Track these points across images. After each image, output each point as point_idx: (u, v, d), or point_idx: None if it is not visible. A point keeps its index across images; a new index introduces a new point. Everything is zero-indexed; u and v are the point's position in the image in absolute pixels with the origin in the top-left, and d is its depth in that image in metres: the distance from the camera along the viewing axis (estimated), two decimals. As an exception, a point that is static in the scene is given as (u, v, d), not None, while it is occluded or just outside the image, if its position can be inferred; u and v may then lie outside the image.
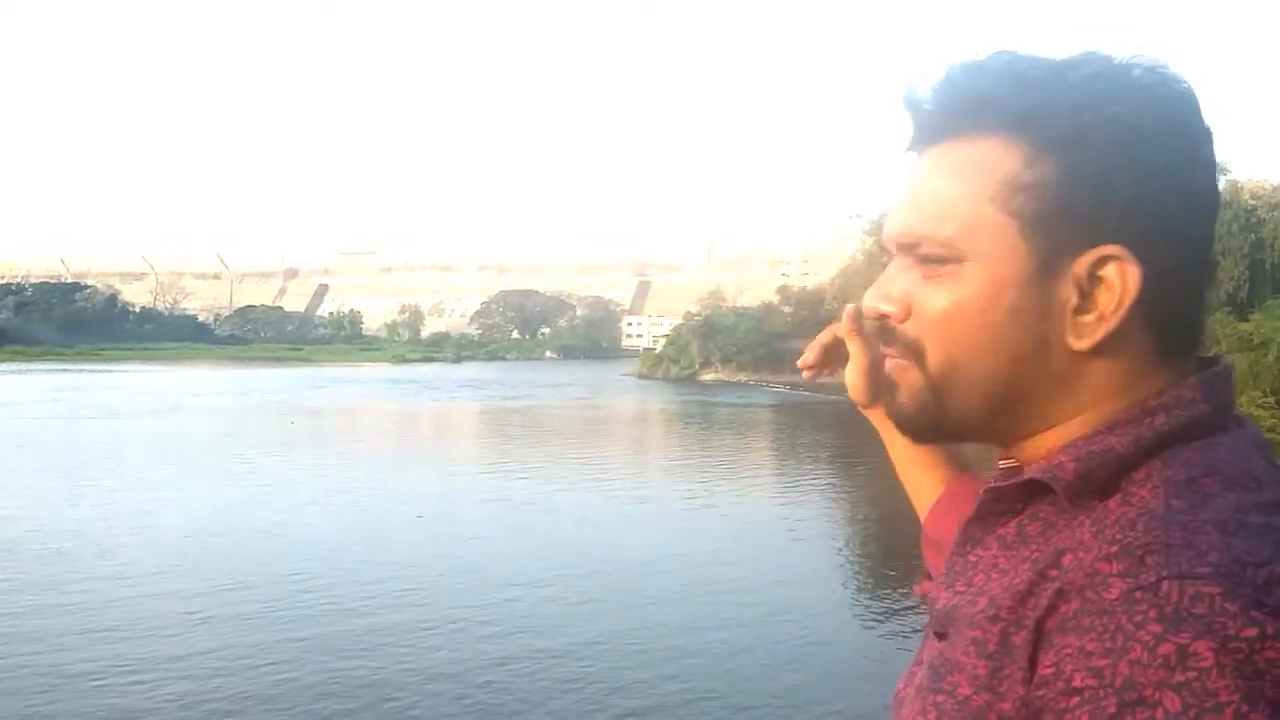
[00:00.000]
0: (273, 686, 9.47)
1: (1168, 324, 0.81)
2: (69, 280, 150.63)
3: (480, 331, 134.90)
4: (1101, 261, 0.78)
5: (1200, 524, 0.70)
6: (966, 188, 0.81)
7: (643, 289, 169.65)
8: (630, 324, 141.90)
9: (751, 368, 68.25)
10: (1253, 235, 42.10)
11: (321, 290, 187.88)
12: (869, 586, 14.23)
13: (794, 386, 56.97)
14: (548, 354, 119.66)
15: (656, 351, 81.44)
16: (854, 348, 1.13)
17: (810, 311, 67.68)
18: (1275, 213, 37.42)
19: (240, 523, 16.91)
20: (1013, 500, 0.84)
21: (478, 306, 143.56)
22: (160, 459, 25.34)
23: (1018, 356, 0.81)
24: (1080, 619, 0.69)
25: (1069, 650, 0.69)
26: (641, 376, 74.40)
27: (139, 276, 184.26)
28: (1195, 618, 0.64)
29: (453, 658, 10.27)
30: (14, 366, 75.34)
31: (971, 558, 0.86)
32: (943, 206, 0.81)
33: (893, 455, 1.25)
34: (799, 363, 1.22)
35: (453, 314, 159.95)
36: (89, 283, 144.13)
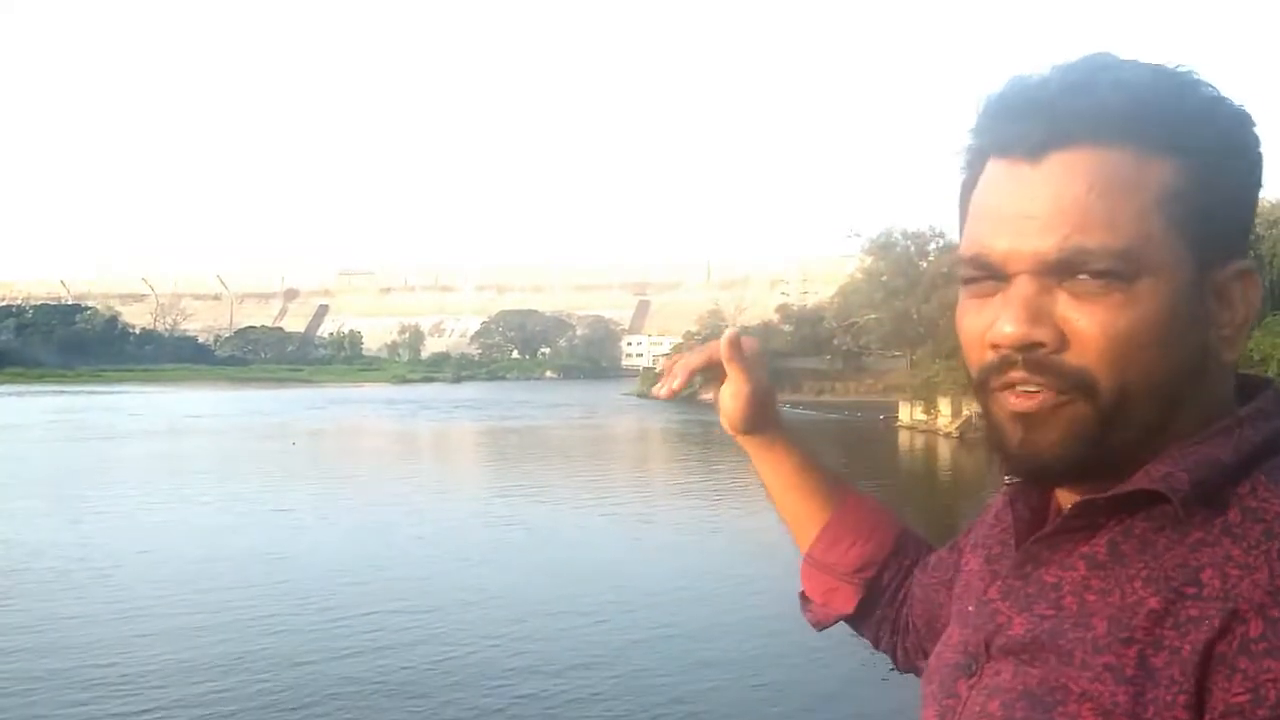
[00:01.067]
0: (274, 713, 9.44)
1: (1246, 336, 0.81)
2: (69, 302, 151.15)
3: (480, 351, 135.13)
4: (1238, 275, 0.78)
5: None
6: (1130, 196, 0.75)
7: (642, 308, 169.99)
8: (630, 343, 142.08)
9: (752, 386, 68.24)
10: (1251, 252, 42.08)
11: (321, 311, 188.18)
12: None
13: (794, 405, 56.93)
14: (548, 374, 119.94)
15: (656, 371, 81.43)
16: (734, 373, 1.11)
17: (810, 330, 67.90)
18: (1274, 230, 37.56)
19: (240, 546, 16.88)
20: (1096, 516, 0.79)
21: (477, 326, 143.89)
22: (160, 481, 25.33)
23: (1189, 374, 0.77)
24: (1272, 639, 0.67)
25: (1270, 675, 0.66)
26: (642, 396, 74.41)
27: (139, 298, 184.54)
28: None
29: (467, 692, 10.18)
30: (15, 388, 75.41)
31: (1048, 578, 0.81)
32: (1108, 217, 0.74)
33: (771, 482, 1.21)
34: (656, 389, 1.19)
35: (452, 334, 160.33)
36: (89, 304, 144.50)
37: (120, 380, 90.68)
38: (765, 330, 74.43)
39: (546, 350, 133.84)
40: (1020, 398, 0.78)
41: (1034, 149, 0.76)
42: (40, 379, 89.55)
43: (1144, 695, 0.71)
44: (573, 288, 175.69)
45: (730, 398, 1.12)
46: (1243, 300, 0.78)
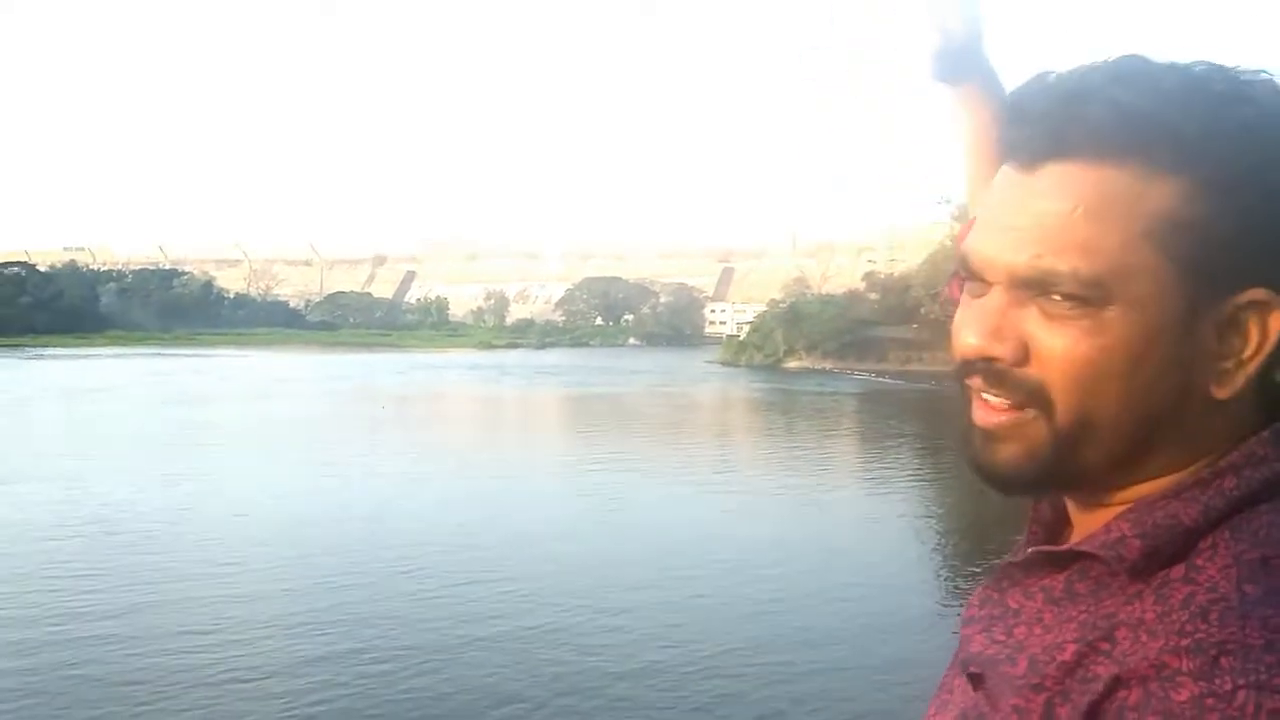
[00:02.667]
0: (374, 687, 9.59)
1: (1271, 371, 0.75)
2: (167, 267, 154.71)
3: (564, 318, 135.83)
4: (1248, 305, 0.72)
5: None
6: (1117, 221, 0.71)
7: (726, 276, 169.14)
8: (714, 311, 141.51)
9: (837, 355, 67.65)
10: None
11: (409, 277, 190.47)
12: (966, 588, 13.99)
13: (880, 375, 56.35)
14: (631, 341, 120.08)
15: (740, 339, 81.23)
16: None
17: (897, 299, 66.89)
18: None
19: (336, 509, 17.21)
20: (1063, 561, 0.79)
21: (562, 293, 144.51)
22: (255, 444, 25.94)
23: (1158, 410, 0.74)
24: (1143, 714, 0.65)
25: None
26: (725, 364, 74.21)
27: (233, 263, 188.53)
28: None
29: (567, 666, 10.16)
30: (115, 350, 77.67)
31: (1011, 603, 0.81)
32: (1087, 240, 0.71)
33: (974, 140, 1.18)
34: None
35: (537, 300, 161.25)
36: (186, 269, 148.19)
37: (215, 344, 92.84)
38: (851, 299, 73.68)
39: (630, 317, 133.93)
40: (984, 410, 0.78)
41: (1032, 159, 0.74)
42: (139, 342, 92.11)
43: None
44: (657, 255, 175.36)
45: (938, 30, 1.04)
46: (1258, 330, 0.72)
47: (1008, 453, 0.77)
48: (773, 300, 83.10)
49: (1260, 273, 0.71)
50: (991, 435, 0.77)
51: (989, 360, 0.76)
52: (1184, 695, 0.64)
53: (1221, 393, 0.73)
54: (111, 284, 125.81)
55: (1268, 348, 0.72)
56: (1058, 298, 0.72)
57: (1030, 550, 0.81)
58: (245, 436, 27.39)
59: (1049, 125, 0.73)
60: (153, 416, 32.64)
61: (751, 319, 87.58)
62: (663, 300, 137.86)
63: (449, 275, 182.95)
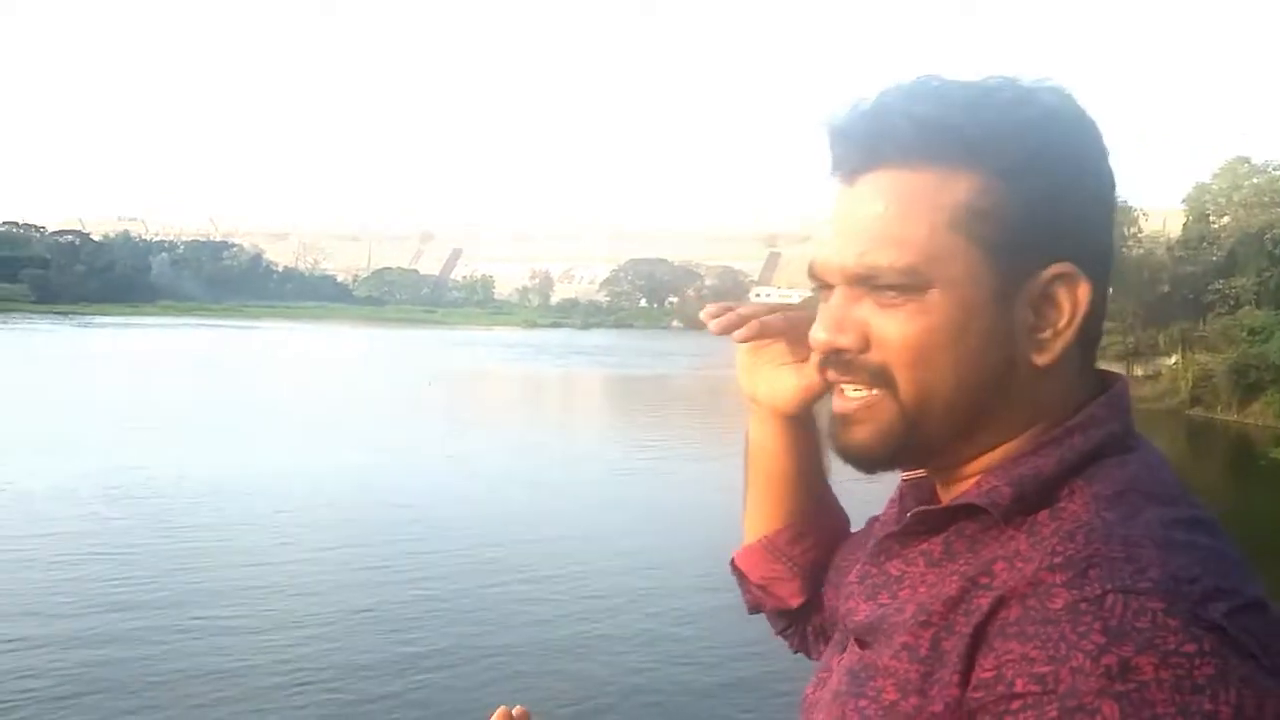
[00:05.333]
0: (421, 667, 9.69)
1: (1093, 338, 0.85)
2: (218, 239, 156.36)
3: (608, 299, 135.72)
4: (1055, 279, 0.81)
5: (1137, 538, 0.73)
6: (922, 215, 0.80)
7: (772, 260, 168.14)
8: (759, 295, 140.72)
9: (881, 343, 67.19)
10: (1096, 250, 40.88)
11: (455, 254, 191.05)
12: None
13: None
14: (675, 323, 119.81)
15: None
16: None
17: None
18: None
19: (384, 488, 17.38)
20: (939, 521, 0.85)
21: (607, 274, 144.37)
22: (300, 418, 26.23)
23: (989, 378, 0.82)
24: (1024, 625, 0.71)
25: (1011, 656, 0.70)
26: (769, 349, 73.91)
27: (282, 237, 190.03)
28: (1138, 631, 0.67)
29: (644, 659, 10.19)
30: (165, 320, 78.72)
31: (893, 570, 0.87)
32: (899, 235, 0.80)
33: (775, 464, 1.15)
34: (711, 317, 1.07)
35: (582, 280, 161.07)
36: (236, 242, 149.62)
37: (262, 316, 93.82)
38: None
39: (674, 299, 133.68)
40: (840, 399, 0.87)
41: (851, 172, 0.84)
42: (188, 312, 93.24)
43: (932, 674, 0.76)
44: (703, 238, 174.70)
45: (797, 377, 1.07)
46: (1069, 300, 0.81)
47: (863, 433, 0.85)
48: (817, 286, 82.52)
49: (1060, 248, 0.81)
50: (848, 420, 0.86)
51: (838, 351, 0.85)
52: (1059, 603, 0.70)
53: (1041, 360, 0.82)
54: (163, 254, 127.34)
55: (1079, 316, 0.82)
56: (886, 289, 0.81)
57: (910, 513, 0.87)
58: (290, 412, 27.66)
59: (860, 141, 0.83)
60: (199, 387, 33.01)
61: (796, 304, 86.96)
62: (708, 283, 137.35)
63: (495, 254, 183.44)
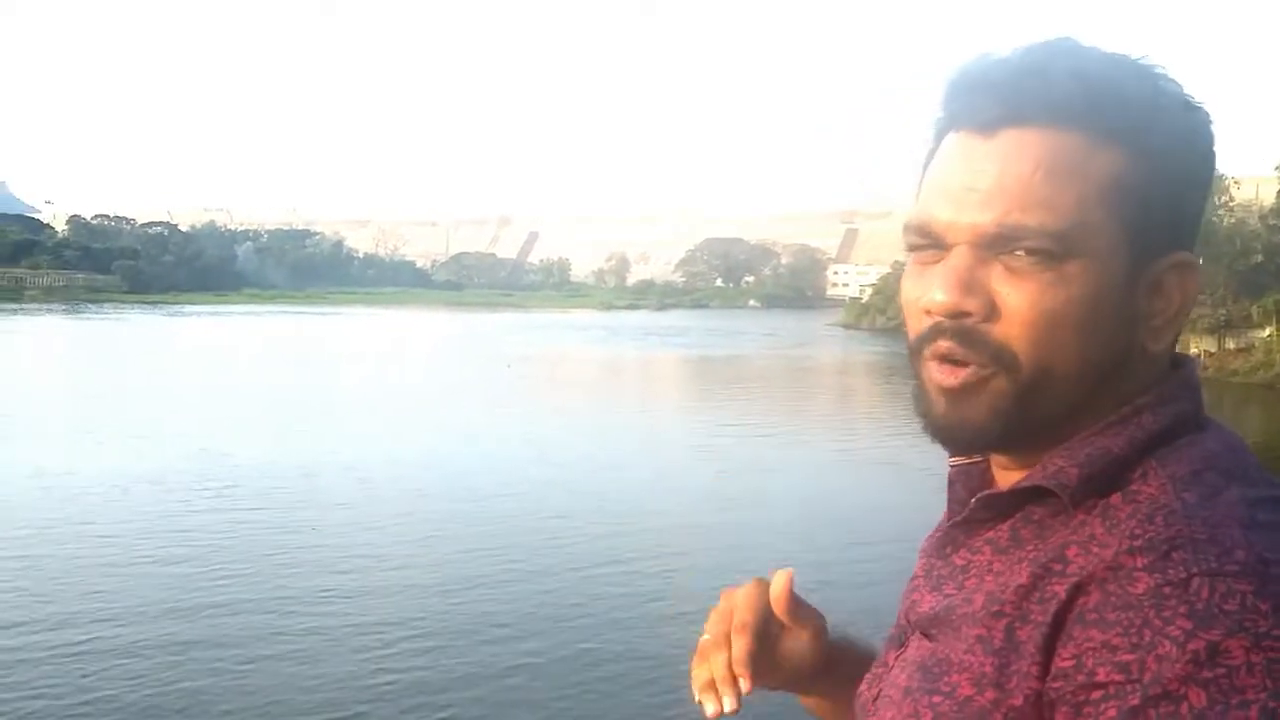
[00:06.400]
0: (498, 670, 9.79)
1: (1181, 327, 0.83)
2: (300, 228, 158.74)
3: (684, 279, 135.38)
4: (1173, 267, 0.80)
5: (1220, 519, 0.70)
6: (1072, 182, 0.77)
7: (850, 237, 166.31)
8: (836, 273, 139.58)
9: (962, 319, 66.16)
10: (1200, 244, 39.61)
11: (532, 238, 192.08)
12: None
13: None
14: (751, 303, 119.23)
15: (863, 301, 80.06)
16: (794, 622, 0.96)
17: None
18: None
19: (459, 471, 17.59)
20: (1005, 506, 0.82)
21: (682, 255, 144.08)
22: (388, 404, 26.69)
23: (1109, 361, 0.80)
24: (1104, 613, 0.69)
25: (1092, 644, 0.68)
26: (847, 327, 73.33)
27: (362, 224, 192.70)
28: (1227, 614, 0.65)
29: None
30: (251, 308, 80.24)
31: (958, 560, 0.85)
32: (1049, 198, 0.76)
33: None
34: (709, 711, 0.91)
35: (658, 262, 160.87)
36: (317, 230, 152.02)
37: (345, 302, 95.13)
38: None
39: (750, 279, 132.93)
40: (946, 372, 0.80)
41: (987, 125, 0.78)
42: (273, 299, 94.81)
43: (1008, 666, 0.74)
44: (778, 217, 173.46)
45: (796, 653, 0.97)
46: (1179, 290, 0.80)
47: (974, 410, 0.80)
48: (896, 262, 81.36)
49: (1182, 237, 0.81)
50: (957, 394, 0.80)
51: (960, 316, 0.79)
52: (1141, 588, 0.68)
53: (1156, 347, 0.81)
54: (248, 243, 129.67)
55: (1189, 306, 0.81)
56: (1021, 254, 0.77)
57: (975, 499, 0.84)
58: (374, 398, 28.11)
59: (1004, 93, 0.78)
60: (286, 373, 33.63)
61: (874, 281, 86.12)
62: (784, 262, 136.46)
63: (571, 237, 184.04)
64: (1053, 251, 0.76)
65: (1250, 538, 0.69)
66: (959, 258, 0.79)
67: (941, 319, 0.80)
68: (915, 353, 0.83)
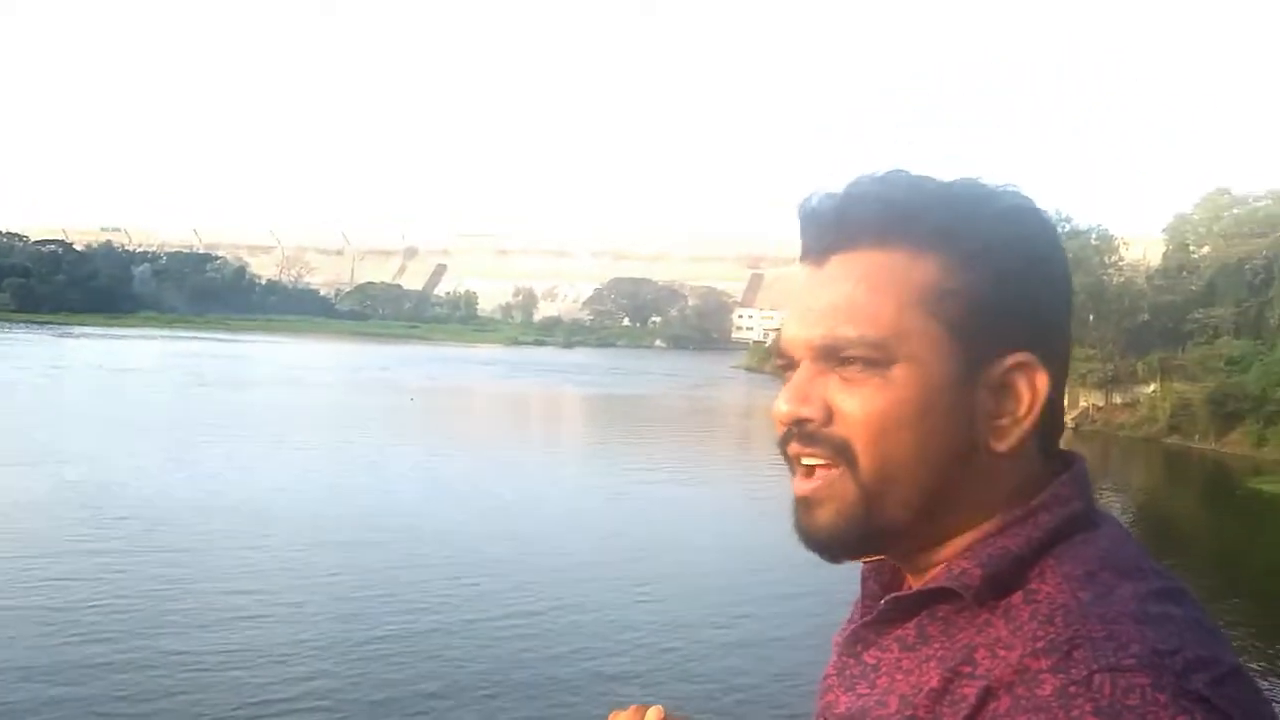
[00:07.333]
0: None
1: (1052, 424, 0.86)
2: (201, 251, 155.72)
3: (592, 317, 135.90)
4: (1015, 368, 0.82)
5: (1114, 615, 0.73)
6: (891, 292, 0.81)
7: (755, 281, 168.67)
8: (741, 316, 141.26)
9: (863, 366, 67.43)
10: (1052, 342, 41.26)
11: (439, 270, 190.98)
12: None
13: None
14: (657, 343, 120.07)
15: (767, 345, 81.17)
16: None
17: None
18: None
19: (357, 501, 17.36)
20: (913, 605, 0.84)
21: (590, 292, 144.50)
22: (282, 432, 26.22)
23: (950, 460, 0.82)
24: (1015, 715, 0.71)
25: None
26: (750, 369, 74.23)
27: (266, 250, 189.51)
28: (1129, 709, 0.67)
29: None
30: (148, 331, 78.37)
31: (869, 659, 0.87)
32: (867, 310, 0.82)
33: None
34: None
35: (565, 298, 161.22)
36: (219, 254, 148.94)
37: (245, 329, 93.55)
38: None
39: (657, 319, 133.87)
40: (799, 481, 0.86)
41: (821, 253, 0.85)
42: (171, 324, 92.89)
43: None
44: (686, 259, 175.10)
45: None
46: (1029, 390, 0.83)
47: (825, 514, 0.84)
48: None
49: (1021, 337, 0.83)
50: (808, 502, 0.85)
51: (801, 423, 0.84)
52: (1048, 689, 0.70)
53: (1000, 446, 0.83)
54: (146, 265, 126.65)
55: (1039, 405, 0.83)
56: (852, 364, 0.82)
57: (883, 600, 0.86)
58: (272, 424, 27.60)
59: (832, 223, 0.85)
60: (182, 400, 32.93)
61: (778, 325, 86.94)
62: (691, 303, 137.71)
63: (479, 270, 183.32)
64: (876, 359, 0.81)
65: (1144, 631, 0.72)
66: (801, 371, 0.85)
67: (789, 426, 0.85)
68: (781, 455, 0.88)
